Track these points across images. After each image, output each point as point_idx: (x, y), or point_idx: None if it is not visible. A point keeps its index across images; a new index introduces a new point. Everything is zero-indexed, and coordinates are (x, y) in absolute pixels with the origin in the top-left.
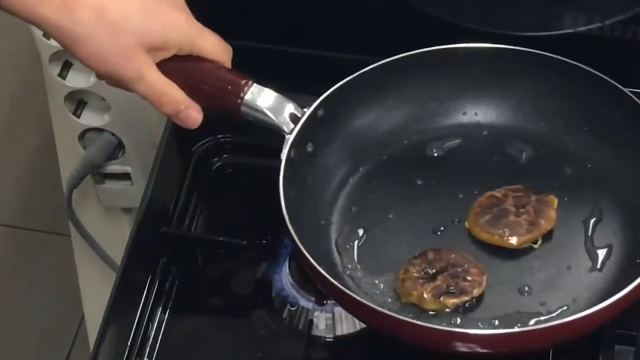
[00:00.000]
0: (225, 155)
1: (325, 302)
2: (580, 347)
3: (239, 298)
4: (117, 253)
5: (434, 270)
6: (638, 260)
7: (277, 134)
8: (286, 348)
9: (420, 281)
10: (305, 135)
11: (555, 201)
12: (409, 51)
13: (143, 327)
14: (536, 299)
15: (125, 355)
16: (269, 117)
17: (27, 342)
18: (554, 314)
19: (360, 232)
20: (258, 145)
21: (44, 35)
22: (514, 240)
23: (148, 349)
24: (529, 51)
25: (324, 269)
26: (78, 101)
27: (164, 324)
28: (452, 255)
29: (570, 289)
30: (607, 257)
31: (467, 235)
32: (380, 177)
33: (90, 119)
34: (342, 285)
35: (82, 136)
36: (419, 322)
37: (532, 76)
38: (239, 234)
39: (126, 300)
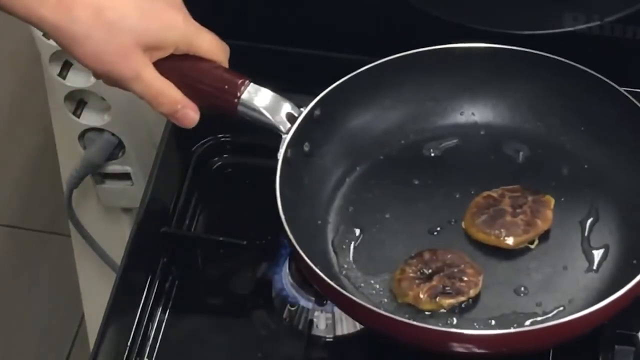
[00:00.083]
0: (225, 155)
1: (325, 302)
2: (580, 347)
3: (239, 298)
4: (117, 253)
5: (430, 271)
6: (634, 261)
7: (276, 134)
8: (286, 348)
9: (417, 281)
10: (302, 135)
11: (552, 201)
12: (407, 51)
13: (143, 327)
14: (532, 299)
15: (125, 355)
16: (265, 116)
17: (27, 342)
18: (550, 315)
19: (357, 232)
20: (258, 145)
21: (44, 35)
22: (510, 241)
23: (148, 349)
24: (525, 51)
25: (320, 269)
26: (78, 101)
27: (164, 324)
28: (449, 256)
29: (566, 289)
30: (604, 257)
31: (463, 236)
32: (377, 177)
33: (90, 119)
34: (339, 285)
35: (82, 136)
36: (414, 323)
37: (528, 76)
38: (239, 234)
39: (126, 300)
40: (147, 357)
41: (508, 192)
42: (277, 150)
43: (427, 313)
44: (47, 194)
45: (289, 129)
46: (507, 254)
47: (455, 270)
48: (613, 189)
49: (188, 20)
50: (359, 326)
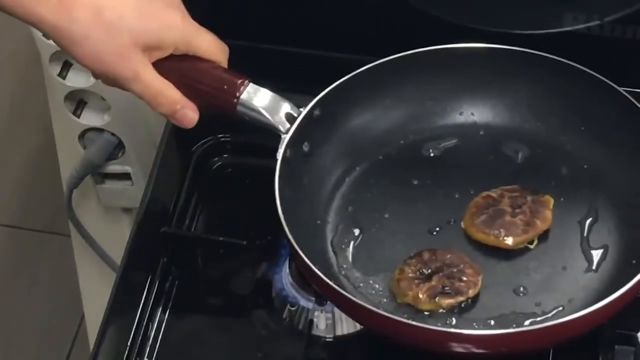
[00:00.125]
0: (225, 155)
1: (325, 302)
2: (580, 347)
3: (239, 298)
4: (117, 253)
5: (429, 271)
6: (634, 261)
7: (275, 134)
8: (286, 348)
9: (416, 281)
10: (302, 135)
11: (551, 201)
12: (407, 51)
13: (143, 327)
14: (532, 299)
15: (125, 355)
16: (265, 116)
17: (27, 342)
18: (549, 315)
19: (356, 232)
20: (258, 145)
21: (44, 35)
22: (509, 241)
23: (148, 349)
24: (525, 51)
25: (319, 269)
26: (78, 101)
27: (164, 324)
28: (448, 256)
29: (565, 289)
30: (603, 257)
31: (463, 236)
32: (377, 177)
33: (90, 119)
34: (338, 285)
35: (82, 136)
36: (413, 323)
37: (528, 76)
38: (239, 234)
39: (126, 300)
40: (147, 357)
41: (507, 192)
42: (277, 150)
43: (426, 313)
44: (47, 194)
45: (288, 129)
46: (507, 254)
47: (455, 270)
48: (612, 189)
49: (187, 20)
50: (359, 326)
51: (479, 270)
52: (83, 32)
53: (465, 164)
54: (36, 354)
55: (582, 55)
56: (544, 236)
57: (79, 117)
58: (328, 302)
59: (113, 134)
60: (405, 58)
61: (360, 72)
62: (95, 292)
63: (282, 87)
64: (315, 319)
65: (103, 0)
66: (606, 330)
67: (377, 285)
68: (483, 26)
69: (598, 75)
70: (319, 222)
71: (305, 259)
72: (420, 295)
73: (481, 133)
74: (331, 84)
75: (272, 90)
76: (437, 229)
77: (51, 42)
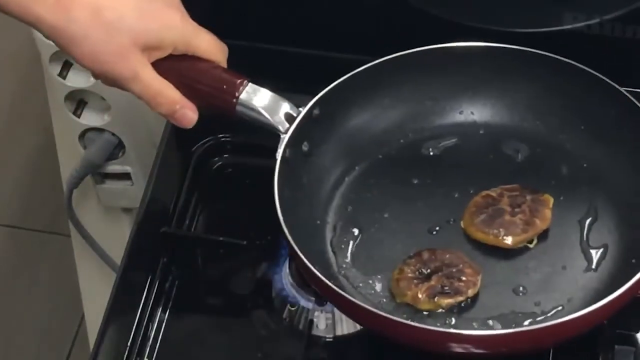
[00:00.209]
0: (225, 155)
1: (325, 302)
2: (580, 347)
3: (239, 298)
4: (117, 253)
5: (428, 270)
6: (633, 260)
7: (275, 134)
8: (286, 348)
9: (415, 281)
10: (301, 135)
11: (551, 200)
12: (407, 50)
13: (143, 327)
14: (531, 299)
15: (125, 355)
16: (264, 116)
17: (27, 342)
18: (548, 314)
19: (356, 231)
20: (258, 145)
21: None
22: (509, 240)
23: (148, 349)
24: (524, 50)
25: (318, 269)
26: (78, 101)
27: (164, 324)
28: (447, 255)
29: (565, 289)
30: (603, 257)
31: (462, 235)
32: (376, 177)
33: (90, 118)
34: (337, 285)
35: (82, 136)
36: (412, 323)
37: (528, 75)
38: (239, 234)
39: (126, 300)
40: (147, 357)
41: (507, 191)
42: (277, 150)
43: (425, 313)
44: (47, 194)
45: (288, 129)
46: (506, 253)
47: (454, 270)
48: (612, 188)
49: (186, 20)
50: (359, 326)
51: (478, 269)
52: (82, 32)
53: (465, 163)
54: (36, 354)
55: (581, 54)
56: (543, 235)
57: (79, 117)
58: (328, 302)
59: (113, 134)
60: (404, 57)
61: (359, 71)
62: (95, 292)
63: (281, 87)
64: (315, 319)
65: (102, 0)
66: (606, 330)
67: (376, 285)
68: (483, 25)
69: (598, 74)
70: (318, 222)
71: (305, 260)
72: (420, 295)
73: (481, 132)
74: (331, 84)
75: (271, 90)
76: (437, 228)
77: (51, 42)
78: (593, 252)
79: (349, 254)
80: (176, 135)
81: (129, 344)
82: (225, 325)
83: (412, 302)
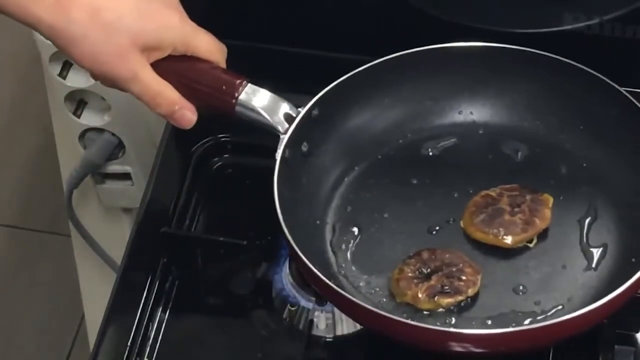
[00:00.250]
0: (225, 155)
1: (325, 302)
2: (580, 347)
3: (239, 298)
4: (117, 253)
5: (428, 270)
6: (633, 260)
7: (275, 134)
8: (286, 348)
9: (415, 281)
10: (300, 135)
11: (551, 200)
12: (407, 50)
13: (143, 327)
14: (531, 298)
15: (125, 355)
16: (263, 117)
17: (27, 342)
18: (548, 314)
19: (355, 231)
20: (258, 145)
21: None
22: (509, 240)
23: (148, 349)
24: (524, 50)
25: (318, 269)
26: (78, 101)
27: (164, 324)
28: (447, 255)
29: (565, 288)
30: (602, 256)
31: (462, 235)
32: (376, 177)
33: (90, 119)
34: (337, 285)
35: (82, 136)
36: (412, 322)
37: (527, 75)
38: (239, 234)
39: (126, 300)
40: (147, 357)
41: (506, 191)
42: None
43: (425, 312)
44: (47, 194)
45: (287, 129)
46: (506, 253)
47: (454, 269)
48: (612, 188)
49: (185, 21)
50: (359, 326)
51: (478, 269)
52: (81, 33)
53: (464, 163)
54: (36, 354)
55: (581, 54)
56: (543, 235)
57: (79, 117)
58: (328, 302)
59: (113, 134)
60: (403, 57)
61: (359, 71)
62: (95, 292)
63: (281, 87)
64: (315, 319)
65: (101, 1)
66: (606, 330)
67: (376, 285)
68: (482, 25)
69: (597, 74)
70: (318, 222)
71: (305, 259)
72: (420, 295)
73: (480, 132)
74: (330, 84)
75: (271, 90)
76: (437, 228)
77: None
78: (593, 251)
79: (349, 254)
80: (176, 135)
81: (129, 344)
82: (225, 325)
83: (412, 302)
